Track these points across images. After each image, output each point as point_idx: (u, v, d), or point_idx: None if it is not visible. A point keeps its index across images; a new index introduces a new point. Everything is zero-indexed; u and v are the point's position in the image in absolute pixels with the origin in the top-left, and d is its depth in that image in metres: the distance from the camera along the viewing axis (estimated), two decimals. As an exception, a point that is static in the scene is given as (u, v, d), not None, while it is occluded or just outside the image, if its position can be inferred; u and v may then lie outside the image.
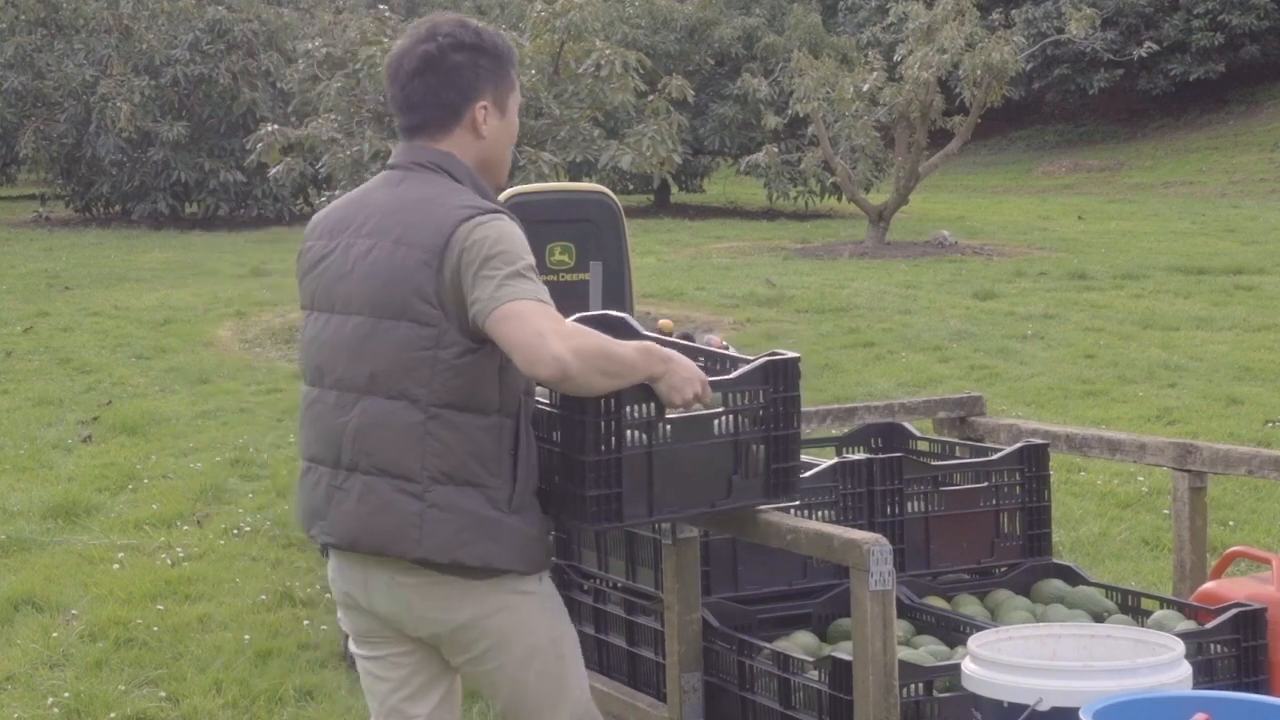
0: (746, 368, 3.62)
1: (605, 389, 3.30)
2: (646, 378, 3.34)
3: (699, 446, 3.55)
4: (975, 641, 3.23)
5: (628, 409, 3.41)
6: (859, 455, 4.67)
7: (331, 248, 3.41)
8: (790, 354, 3.66)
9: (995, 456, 4.52)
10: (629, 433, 3.44)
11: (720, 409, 3.56)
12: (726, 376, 3.62)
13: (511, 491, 3.31)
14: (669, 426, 3.50)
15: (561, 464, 3.44)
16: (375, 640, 3.45)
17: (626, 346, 3.35)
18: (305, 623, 6.42)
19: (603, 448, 3.39)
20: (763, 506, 3.70)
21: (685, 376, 3.37)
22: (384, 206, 3.37)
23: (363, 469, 3.30)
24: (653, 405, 3.45)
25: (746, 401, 3.59)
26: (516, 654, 3.39)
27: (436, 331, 3.25)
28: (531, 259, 3.29)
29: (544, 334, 3.14)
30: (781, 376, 3.62)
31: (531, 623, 3.39)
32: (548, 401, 3.48)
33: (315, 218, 3.55)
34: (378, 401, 3.28)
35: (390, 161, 3.47)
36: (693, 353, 3.76)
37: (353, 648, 3.56)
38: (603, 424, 3.39)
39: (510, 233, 3.27)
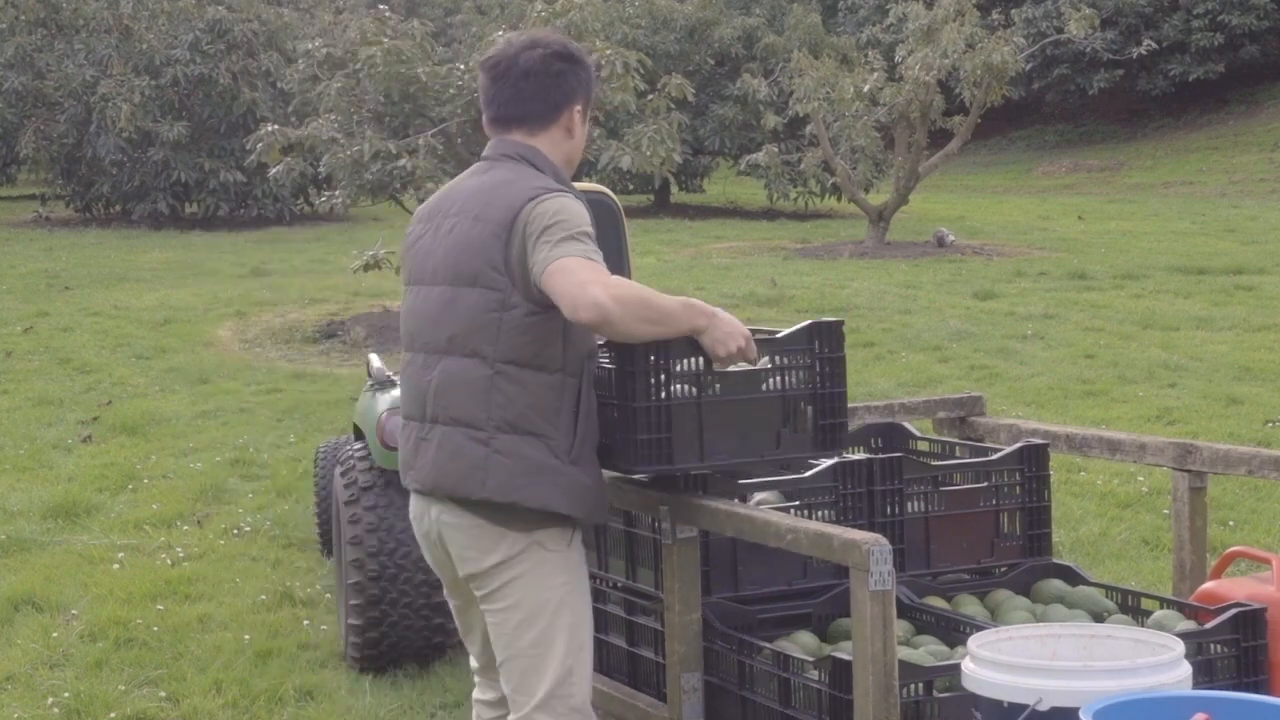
0: (793, 329, 3.93)
1: (647, 335, 3.62)
2: (690, 329, 3.66)
3: (747, 400, 3.85)
4: (975, 641, 3.23)
5: (677, 364, 3.75)
6: (859, 455, 4.66)
7: (425, 230, 3.82)
8: (835, 319, 3.99)
9: (995, 456, 4.51)
10: (679, 386, 3.77)
11: (766, 366, 3.86)
12: (775, 335, 3.92)
13: (571, 443, 3.64)
14: (718, 383, 3.80)
15: (617, 415, 3.78)
16: (446, 577, 3.87)
17: (669, 298, 3.65)
18: (305, 623, 6.42)
19: (652, 396, 3.73)
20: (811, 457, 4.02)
21: (729, 331, 3.68)
22: (470, 191, 3.76)
23: (442, 421, 3.67)
24: (701, 359, 3.76)
25: (793, 361, 3.90)
26: (523, 609, 3.65)
27: (503, 296, 3.60)
28: (589, 228, 3.61)
29: (586, 283, 3.46)
30: (827, 338, 3.94)
31: (544, 583, 3.65)
32: (607, 359, 3.81)
33: (419, 207, 3.96)
34: (455, 360, 3.65)
35: (483, 153, 3.86)
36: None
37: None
38: (652, 375, 3.73)
39: (570, 206, 3.62)
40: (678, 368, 3.76)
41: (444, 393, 3.66)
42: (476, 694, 4.03)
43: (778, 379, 3.89)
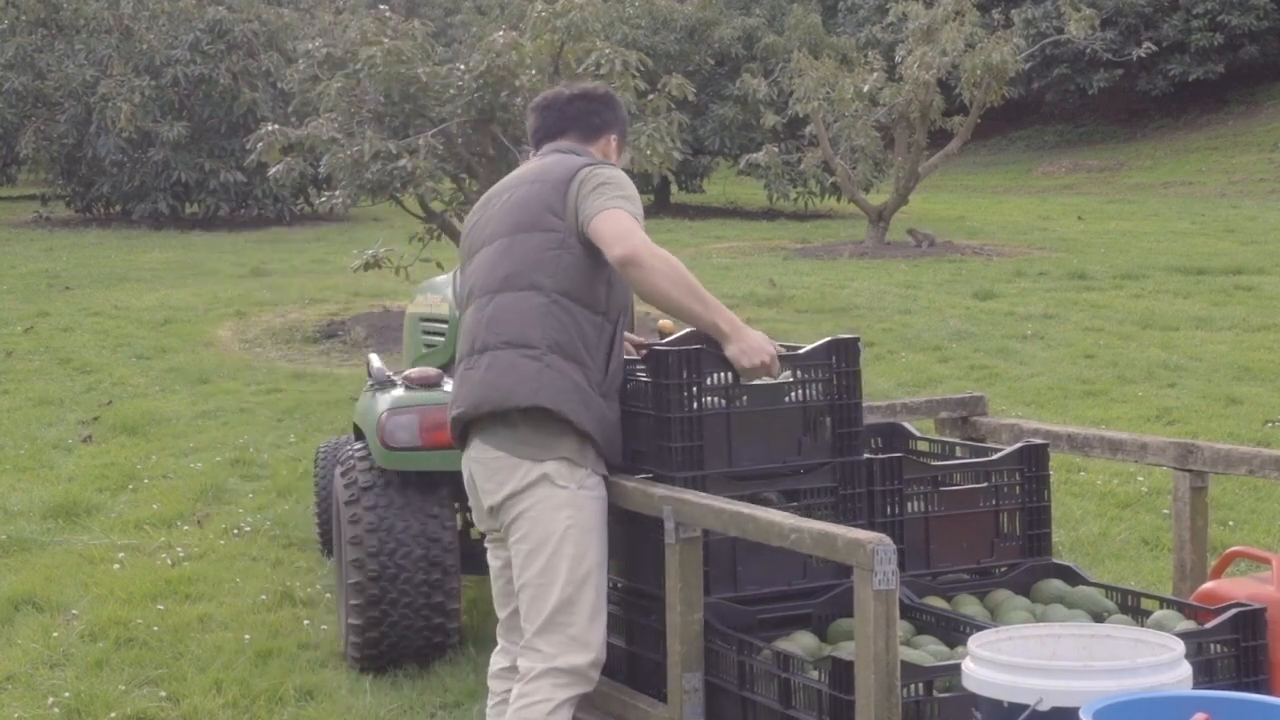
0: (813, 346, 4.29)
1: (670, 301, 3.95)
2: (712, 324, 4.03)
3: (772, 411, 4.19)
4: (975, 641, 3.23)
5: (708, 378, 4.10)
6: (859, 455, 4.66)
7: (482, 213, 4.27)
8: (851, 335, 4.36)
9: (995, 456, 4.51)
10: (710, 398, 4.13)
11: (789, 380, 4.20)
12: (797, 351, 4.27)
13: (603, 377, 4.03)
14: (745, 395, 4.16)
15: (654, 425, 4.11)
16: (482, 526, 4.21)
17: (703, 296, 4.03)
18: (305, 623, 6.42)
19: (686, 407, 4.07)
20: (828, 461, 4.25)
21: (755, 345, 4.06)
22: (525, 171, 4.24)
23: (492, 346, 4.03)
24: (730, 374, 4.14)
25: (813, 375, 4.24)
26: (530, 540, 3.96)
27: (560, 236, 4.02)
28: (637, 196, 4.06)
29: (631, 230, 3.94)
30: (844, 354, 4.29)
31: (550, 516, 3.96)
32: (645, 373, 4.14)
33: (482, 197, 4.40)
34: (510, 295, 4.04)
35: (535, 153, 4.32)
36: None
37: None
38: (685, 388, 4.07)
39: (623, 177, 4.08)
40: (709, 381, 4.11)
41: (498, 320, 4.04)
42: (494, 655, 4.27)
43: (799, 391, 4.22)
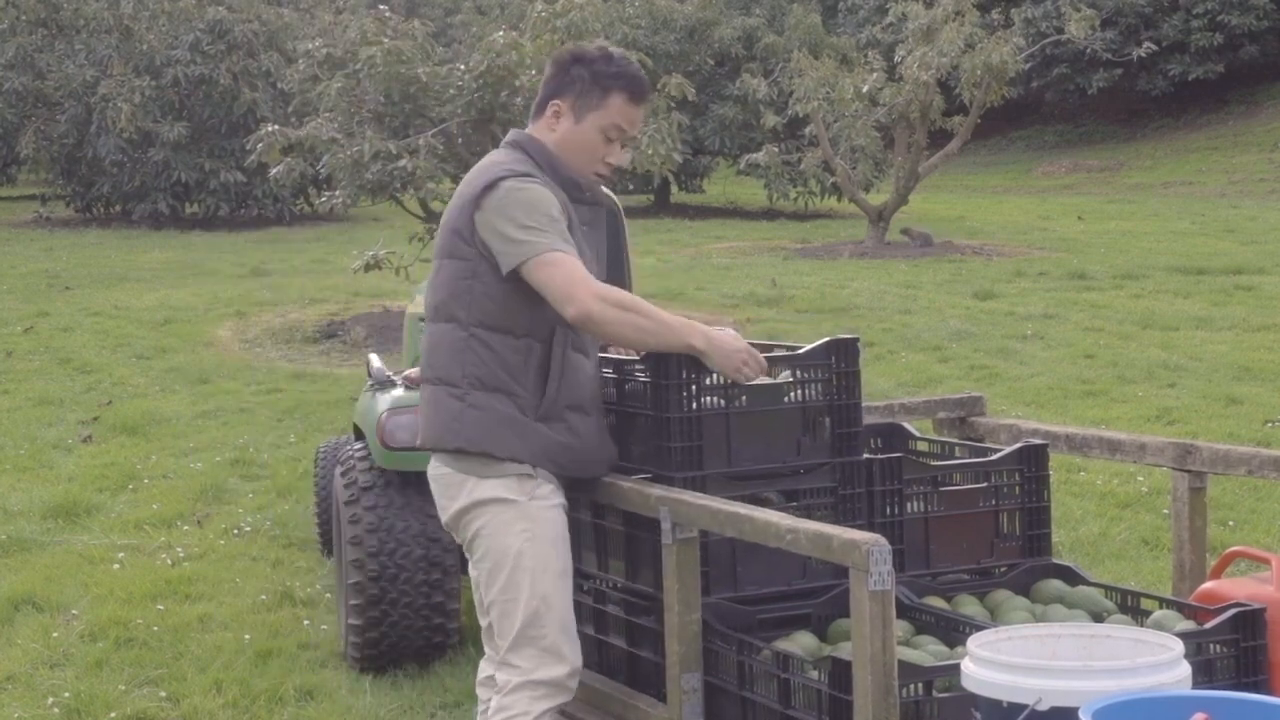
0: (813, 346, 4.23)
1: (637, 342, 3.91)
2: (685, 346, 3.90)
3: (771, 411, 4.16)
4: (975, 641, 3.23)
5: (707, 378, 4.05)
6: (858, 455, 4.66)
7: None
8: (851, 335, 4.31)
9: (995, 457, 4.51)
10: (709, 398, 4.08)
11: (788, 380, 4.15)
12: (797, 351, 4.22)
13: (539, 401, 3.89)
14: (744, 396, 4.11)
15: (654, 425, 4.08)
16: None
17: (665, 326, 3.89)
18: (305, 623, 6.42)
19: (685, 407, 4.04)
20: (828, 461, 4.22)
21: (729, 351, 3.92)
22: (472, 170, 4.02)
23: (430, 380, 3.97)
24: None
25: (813, 375, 4.20)
26: (490, 558, 3.90)
27: (471, 265, 3.87)
28: (553, 212, 3.84)
29: (571, 282, 3.75)
30: (844, 354, 4.25)
31: (504, 531, 3.88)
32: (642, 372, 4.11)
33: None
34: (438, 326, 3.95)
35: None
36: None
37: None
38: (684, 388, 4.04)
39: (523, 197, 3.82)
40: (708, 381, 4.07)
41: (430, 354, 3.98)
42: (481, 663, 4.23)
43: (799, 391, 4.19)
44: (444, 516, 4.01)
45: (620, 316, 3.80)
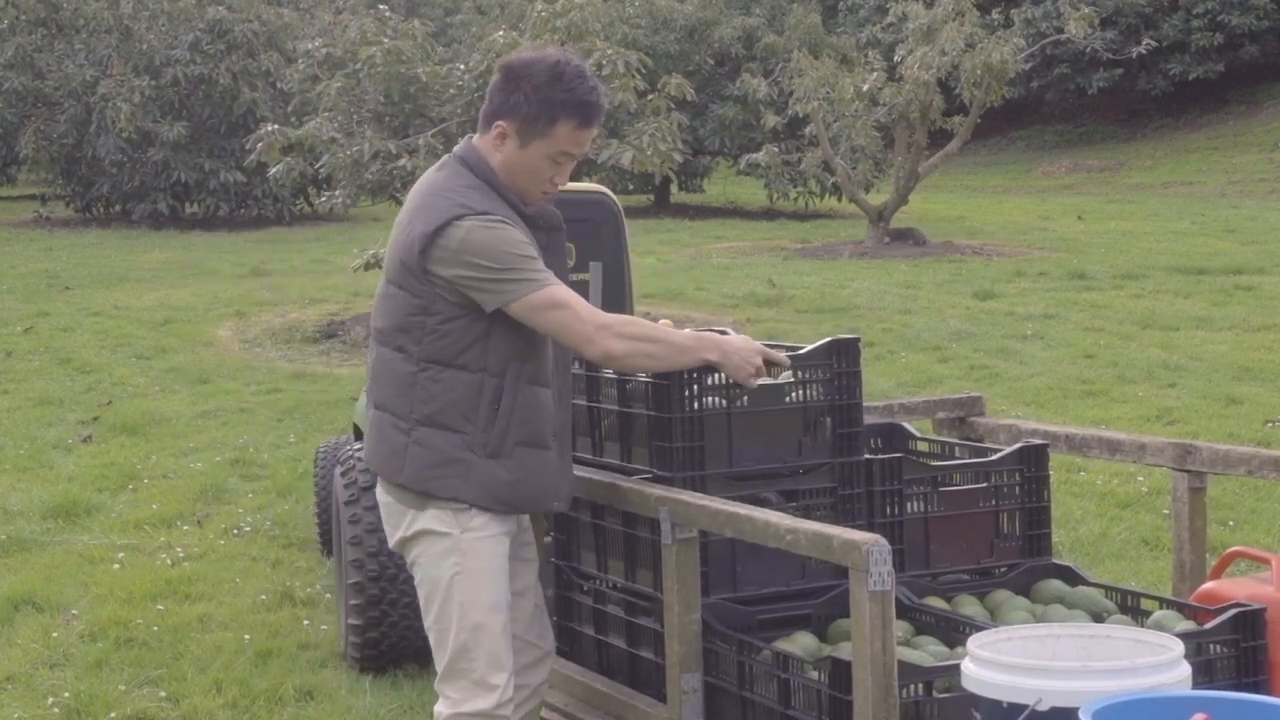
0: (814, 346, 4.25)
1: (651, 369, 3.94)
2: (701, 362, 3.92)
3: (772, 411, 4.18)
4: (975, 642, 3.23)
5: (709, 377, 4.07)
6: (859, 455, 4.66)
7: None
8: (852, 336, 4.33)
9: (995, 457, 4.51)
10: (711, 398, 4.10)
11: (791, 380, 4.17)
12: (798, 351, 4.22)
13: (488, 438, 3.81)
14: (745, 396, 4.13)
15: (654, 425, 4.11)
16: None
17: (677, 333, 3.94)
18: (305, 623, 6.42)
19: (686, 407, 4.05)
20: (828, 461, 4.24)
21: (744, 354, 3.92)
22: (420, 187, 3.92)
23: (375, 404, 3.93)
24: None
25: (814, 375, 4.22)
26: (424, 587, 3.90)
27: (424, 303, 3.77)
28: (526, 250, 3.75)
29: (582, 320, 3.74)
30: (845, 354, 4.27)
31: (437, 563, 3.85)
32: (645, 374, 4.10)
33: None
34: (385, 350, 3.87)
35: None
36: None
37: None
38: (685, 388, 4.06)
39: (496, 237, 3.72)
40: (709, 381, 4.08)
41: (376, 379, 3.92)
42: None
43: (799, 392, 4.21)
44: (390, 542, 4.00)
45: (637, 348, 3.81)
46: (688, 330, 4.00)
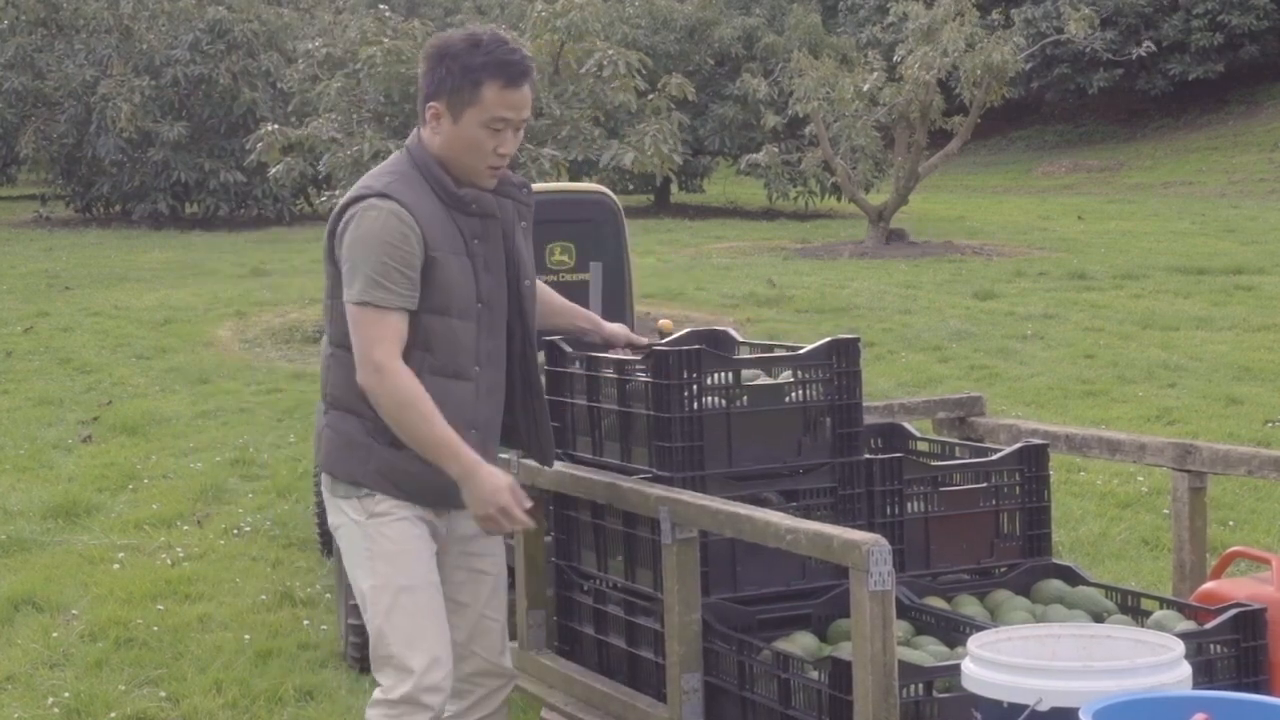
0: (814, 346, 4.28)
1: (399, 433, 3.70)
2: (442, 466, 3.70)
3: (772, 411, 4.18)
4: (975, 642, 3.23)
5: (708, 377, 4.12)
6: (859, 455, 4.66)
7: None
8: (852, 335, 4.35)
9: (995, 457, 4.51)
10: (709, 398, 4.13)
11: (789, 380, 4.20)
12: (798, 351, 4.26)
13: (388, 426, 3.73)
14: (745, 395, 4.15)
15: (654, 425, 4.13)
16: None
17: (438, 425, 3.67)
18: (305, 623, 6.42)
19: (686, 407, 4.08)
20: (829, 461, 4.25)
21: (487, 492, 3.70)
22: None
23: (322, 395, 3.99)
24: (730, 374, 4.18)
25: (813, 375, 4.24)
26: (348, 570, 3.89)
27: (331, 284, 3.81)
28: (386, 257, 3.67)
29: (369, 344, 3.66)
30: (845, 354, 4.29)
31: (352, 548, 3.85)
32: (645, 374, 4.14)
33: None
34: (325, 341, 3.93)
35: None
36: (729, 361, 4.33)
37: None
38: (685, 388, 4.08)
39: (371, 228, 3.69)
40: (709, 381, 4.11)
41: (322, 369, 4.01)
42: None
43: (799, 391, 4.23)
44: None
45: (394, 405, 3.64)
46: (450, 436, 3.69)
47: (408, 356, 3.71)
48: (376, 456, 3.77)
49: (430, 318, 3.74)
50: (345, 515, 3.84)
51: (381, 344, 3.65)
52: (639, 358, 4.27)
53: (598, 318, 4.49)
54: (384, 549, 3.79)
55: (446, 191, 3.79)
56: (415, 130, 3.92)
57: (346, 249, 3.71)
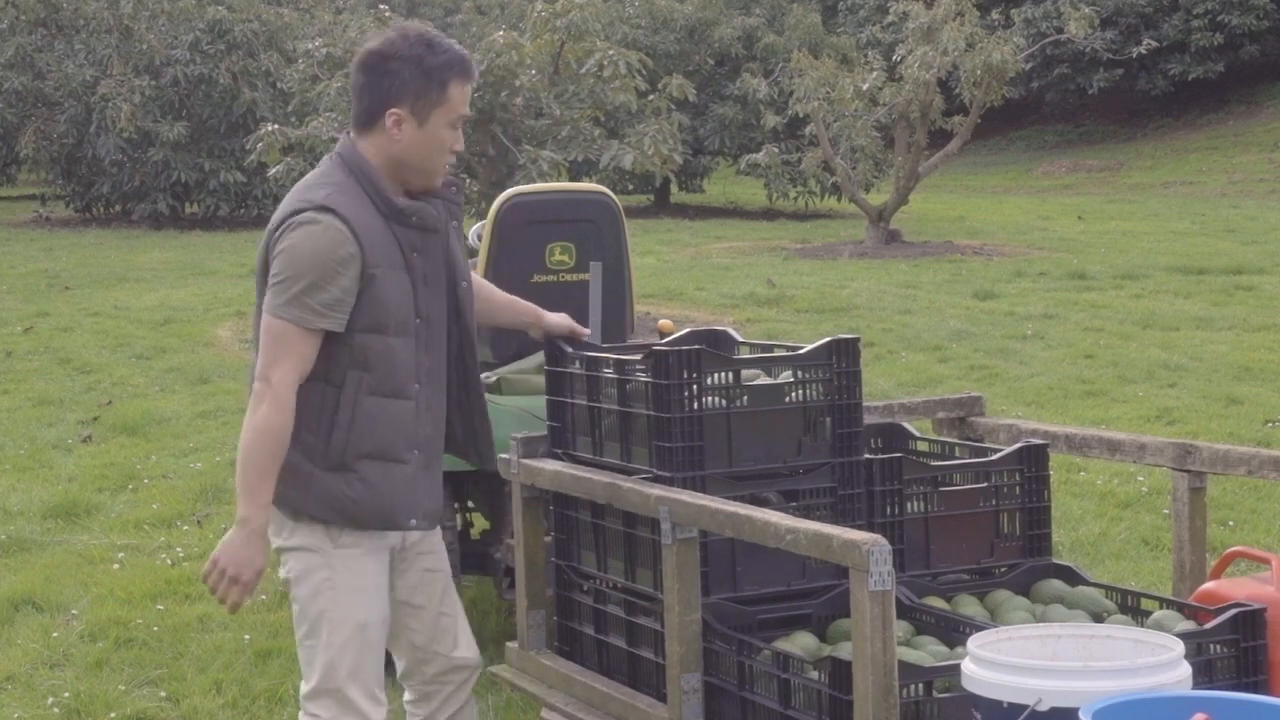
0: (814, 345, 4.29)
1: (242, 449, 3.60)
2: (239, 505, 3.62)
3: (772, 411, 4.20)
4: (975, 642, 3.23)
5: (708, 377, 4.14)
6: (859, 455, 4.66)
7: None
8: (852, 335, 4.36)
9: (995, 457, 4.52)
10: (709, 398, 4.14)
11: (789, 380, 4.22)
12: (798, 351, 4.28)
13: (327, 450, 3.65)
14: (745, 395, 4.16)
15: (654, 425, 4.14)
16: None
17: (261, 472, 3.58)
18: (305, 623, 6.41)
19: (686, 407, 4.09)
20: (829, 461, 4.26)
21: (237, 554, 3.63)
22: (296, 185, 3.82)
23: None
24: (730, 374, 4.20)
25: (814, 375, 4.26)
26: (298, 602, 3.79)
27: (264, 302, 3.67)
28: (314, 275, 3.59)
29: (268, 365, 3.58)
30: (845, 354, 4.31)
31: (307, 577, 3.75)
32: (645, 374, 4.15)
33: None
34: (253, 355, 3.74)
35: None
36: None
37: None
38: (685, 388, 4.10)
39: (303, 245, 3.62)
40: (709, 381, 4.13)
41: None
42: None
43: (799, 391, 4.24)
44: (272, 546, 3.82)
45: (259, 425, 3.55)
46: (263, 487, 3.60)
47: (343, 377, 3.64)
48: (318, 484, 3.67)
49: (367, 336, 3.64)
50: (305, 540, 3.74)
51: (283, 365, 3.56)
52: (639, 357, 4.28)
53: (538, 309, 4.43)
54: (346, 582, 3.73)
55: (386, 203, 3.68)
56: (344, 137, 3.78)
57: (281, 261, 3.61)
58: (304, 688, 3.78)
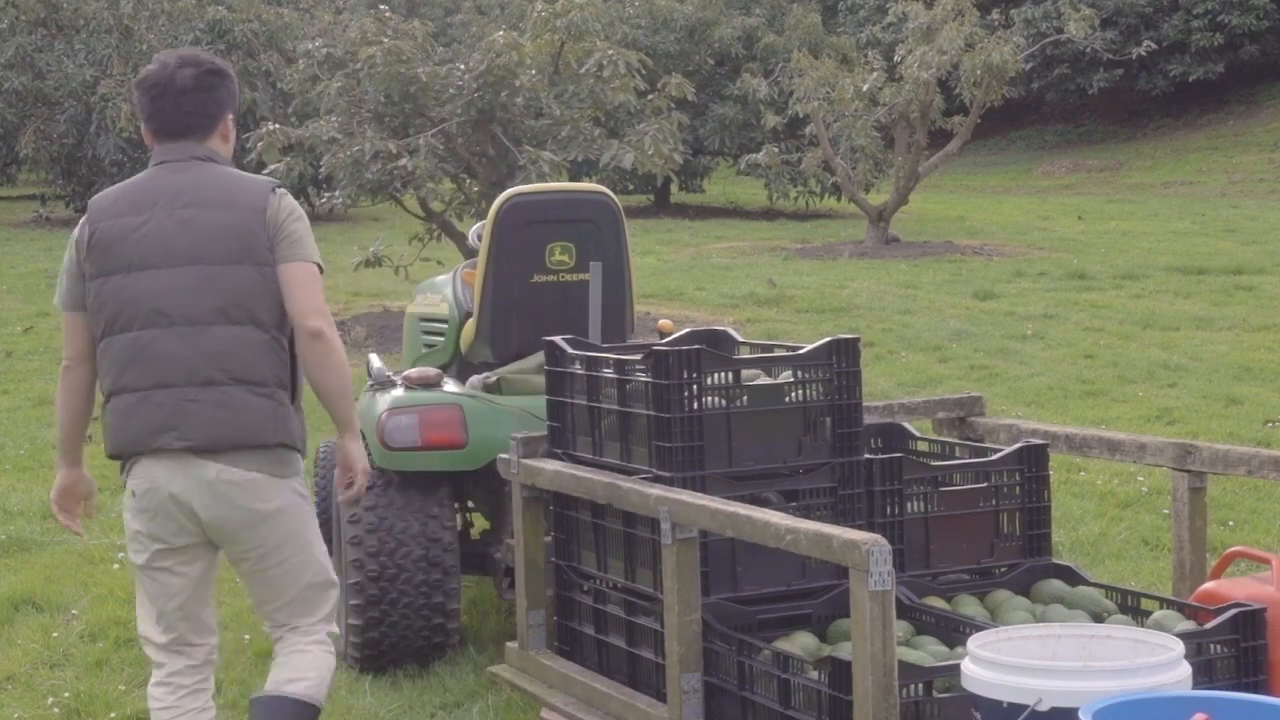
0: (814, 345, 4.32)
1: (326, 380, 4.09)
2: (348, 422, 4.24)
3: (772, 411, 4.21)
4: (975, 642, 3.23)
5: (708, 377, 4.17)
6: (859, 455, 4.66)
7: (142, 220, 4.08)
8: (852, 335, 4.40)
9: (995, 457, 4.52)
10: (709, 398, 4.18)
11: (787, 380, 4.25)
12: (799, 351, 4.31)
13: (293, 393, 4.15)
14: (745, 395, 4.18)
15: (654, 425, 4.17)
16: (178, 543, 4.16)
17: (351, 396, 4.23)
18: (305, 623, 6.41)
19: (686, 407, 4.12)
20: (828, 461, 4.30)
21: (361, 461, 4.29)
22: (190, 185, 4.10)
23: (218, 382, 4.04)
24: (730, 374, 4.24)
25: (814, 375, 4.28)
26: (302, 552, 4.19)
27: (272, 270, 4.05)
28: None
29: (322, 299, 4.09)
30: (845, 354, 4.34)
31: (307, 522, 4.21)
32: (645, 374, 4.19)
33: (100, 204, 4.16)
34: (227, 328, 4.04)
35: (162, 158, 4.15)
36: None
37: (142, 559, 4.22)
38: (685, 388, 4.13)
39: (300, 209, 4.16)
40: (709, 381, 4.16)
41: (222, 355, 4.04)
42: (169, 670, 4.21)
43: (799, 391, 4.27)
44: (241, 519, 4.11)
45: (338, 360, 4.08)
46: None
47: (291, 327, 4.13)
48: (299, 425, 4.18)
49: None
50: (296, 490, 4.16)
51: (326, 311, 4.09)
52: (639, 357, 4.28)
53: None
54: (316, 518, 4.33)
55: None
56: (196, 146, 4.14)
57: (301, 223, 4.10)
58: (315, 618, 4.27)
